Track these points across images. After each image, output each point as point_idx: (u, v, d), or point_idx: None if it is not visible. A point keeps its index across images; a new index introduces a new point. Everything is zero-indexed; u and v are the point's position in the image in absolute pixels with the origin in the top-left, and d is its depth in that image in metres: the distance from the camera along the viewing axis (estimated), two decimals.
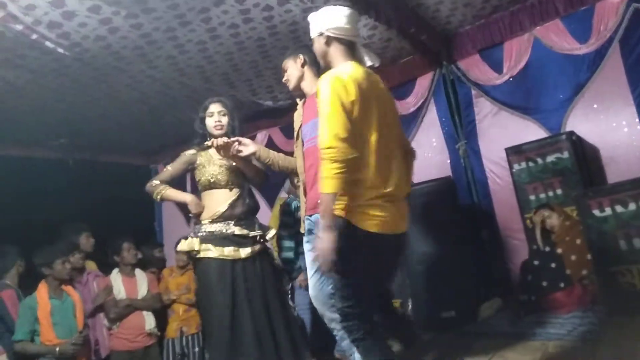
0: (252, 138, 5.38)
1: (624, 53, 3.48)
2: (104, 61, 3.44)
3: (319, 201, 1.73)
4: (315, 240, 1.74)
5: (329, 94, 1.71)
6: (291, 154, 5.20)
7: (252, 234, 2.52)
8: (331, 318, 2.10)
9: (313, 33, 1.98)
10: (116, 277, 3.52)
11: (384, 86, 1.94)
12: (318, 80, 1.88)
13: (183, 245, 2.51)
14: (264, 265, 2.55)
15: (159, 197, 2.54)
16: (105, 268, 3.68)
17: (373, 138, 1.77)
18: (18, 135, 4.50)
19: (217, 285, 2.38)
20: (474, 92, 4.16)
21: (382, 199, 1.75)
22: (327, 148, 1.66)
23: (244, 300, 2.38)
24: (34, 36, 2.93)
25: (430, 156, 4.38)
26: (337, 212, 1.70)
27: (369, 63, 1.95)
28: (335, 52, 1.90)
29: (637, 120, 3.45)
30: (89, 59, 3.36)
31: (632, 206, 2.92)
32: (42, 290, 3.05)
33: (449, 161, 4.28)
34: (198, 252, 2.43)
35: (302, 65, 2.32)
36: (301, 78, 2.31)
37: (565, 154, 3.48)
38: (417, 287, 3.58)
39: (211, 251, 2.41)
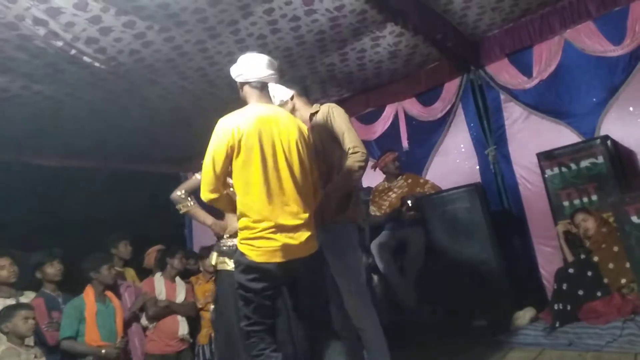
0: None
1: None
2: (137, 74, 3.56)
3: None
4: None
5: (211, 140, 2.03)
6: None
7: None
8: None
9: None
10: (159, 280, 3.71)
11: (288, 122, 2.11)
12: (309, 108, 2.39)
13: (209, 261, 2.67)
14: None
15: (183, 210, 2.63)
16: (142, 274, 3.82)
17: (257, 176, 1.96)
18: (56, 146, 4.69)
19: (231, 296, 2.43)
20: (502, 96, 4.10)
21: (268, 230, 1.94)
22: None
23: None
24: (73, 52, 3.07)
25: (459, 162, 4.33)
26: (237, 245, 1.99)
27: (279, 100, 2.18)
28: (248, 95, 2.18)
29: None
30: (123, 72, 3.48)
31: None
32: (89, 293, 3.24)
33: (478, 167, 4.22)
34: (216, 265, 2.58)
35: (292, 98, 2.51)
36: (293, 109, 2.49)
37: (600, 159, 3.38)
38: (447, 295, 3.53)
39: (227, 264, 2.52)
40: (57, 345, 3.10)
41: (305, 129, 2.19)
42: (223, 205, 2.10)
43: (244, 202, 1.98)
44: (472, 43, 4.11)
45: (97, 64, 3.26)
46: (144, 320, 3.61)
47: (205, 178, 2.02)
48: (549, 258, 3.75)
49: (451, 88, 4.34)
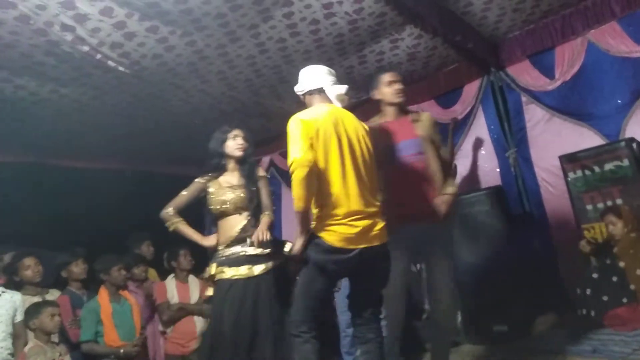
0: None
1: None
2: (160, 78, 3.64)
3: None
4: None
5: (292, 130, 2.09)
6: None
7: (264, 252, 2.62)
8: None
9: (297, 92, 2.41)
10: (170, 282, 3.69)
11: (354, 119, 2.27)
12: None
13: (205, 274, 2.71)
14: (276, 280, 2.64)
15: (172, 227, 2.71)
16: (164, 275, 3.87)
17: (336, 164, 2.06)
18: (82, 148, 4.82)
19: (225, 301, 2.52)
20: (524, 98, 4.04)
21: (350, 218, 2.03)
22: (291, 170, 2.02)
23: (250, 316, 2.51)
24: (98, 56, 3.16)
25: (479, 165, 4.28)
26: (315, 231, 2.06)
27: (340, 99, 2.29)
28: (310, 101, 2.33)
29: None
30: (146, 76, 3.57)
31: None
32: (103, 294, 3.26)
33: (498, 170, 4.17)
34: (215, 275, 2.60)
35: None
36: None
37: (625, 162, 3.30)
38: (467, 299, 3.49)
39: (225, 273, 2.56)
40: (79, 343, 3.17)
41: (366, 127, 2.33)
42: (310, 187, 2.03)
43: (324, 189, 2.05)
44: (492, 44, 4.07)
45: (121, 68, 3.35)
46: (160, 326, 3.63)
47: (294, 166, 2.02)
48: (572, 262, 3.67)
49: (471, 90, 4.30)
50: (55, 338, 2.99)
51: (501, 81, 4.15)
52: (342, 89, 2.30)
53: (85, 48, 3.05)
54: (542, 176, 3.91)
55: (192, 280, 3.76)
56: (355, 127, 2.22)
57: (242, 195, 2.68)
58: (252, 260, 2.60)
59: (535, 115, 3.98)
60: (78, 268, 3.40)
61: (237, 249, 2.60)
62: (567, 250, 3.75)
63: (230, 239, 2.62)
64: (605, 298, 3.06)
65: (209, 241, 2.71)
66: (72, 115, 4.05)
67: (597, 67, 3.66)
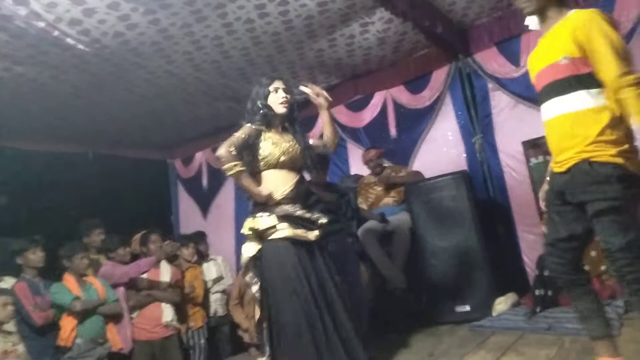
0: None
1: None
2: (122, 57, 3.50)
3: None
4: None
5: (612, 30, 1.75)
6: None
7: (313, 217, 2.37)
8: None
9: None
10: None
11: None
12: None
13: (256, 223, 2.26)
14: (335, 247, 2.46)
15: (232, 172, 2.22)
16: (130, 261, 3.79)
17: None
18: (40, 130, 4.61)
19: (293, 270, 2.20)
20: (490, 85, 4.11)
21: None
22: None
23: (319, 284, 2.25)
24: (56, 33, 3.00)
25: (446, 150, 4.36)
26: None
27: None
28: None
29: None
30: (108, 54, 3.42)
31: None
32: (69, 279, 3.25)
33: (464, 155, 4.25)
34: (274, 228, 2.24)
35: None
36: None
37: None
38: (431, 281, 3.59)
39: (287, 230, 2.23)
40: (44, 326, 3.11)
41: None
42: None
43: None
44: (461, 31, 4.10)
45: (80, 46, 3.20)
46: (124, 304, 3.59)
47: (621, 55, 1.72)
48: (532, 245, 3.81)
49: (439, 76, 4.35)
50: (10, 327, 2.89)
51: (469, 68, 4.20)
52: None
53: (41, 24, 2.89)
54: (507, 162, 4.01)
55: (164, 266, 3.73)
56: None
57: (298, 149, 2.43)
58: (304, 224, 2.31)
59: (500, 102, 4.07)
60: (35, 255, 3.27)
61: (290, 208, 2.29)
62: (527, 233, 3.89)
63: (283, 195, 2.31)
64: None
65: (266, 192, 2.30)
66: (29, 95, 3.86)
67: None
